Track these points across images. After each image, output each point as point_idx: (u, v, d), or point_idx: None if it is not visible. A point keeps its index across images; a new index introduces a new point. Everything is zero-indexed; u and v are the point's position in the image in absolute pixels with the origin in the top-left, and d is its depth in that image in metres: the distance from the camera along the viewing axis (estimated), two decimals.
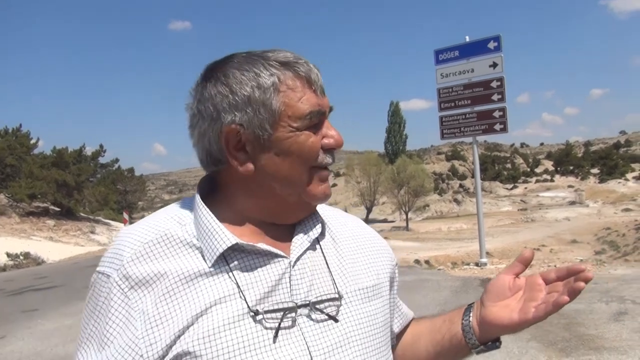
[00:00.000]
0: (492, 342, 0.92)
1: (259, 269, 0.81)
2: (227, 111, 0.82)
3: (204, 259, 0.81)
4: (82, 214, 29.50)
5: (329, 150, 0.85)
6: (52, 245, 20.93)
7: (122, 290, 0.78)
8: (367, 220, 58.84)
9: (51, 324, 7.03)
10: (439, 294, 7.53)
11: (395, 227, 49.39)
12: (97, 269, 0.84)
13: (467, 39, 10.81)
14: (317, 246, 0.91)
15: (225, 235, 0.80)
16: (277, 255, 0.83)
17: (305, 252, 0.87)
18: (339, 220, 1.03)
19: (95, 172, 35.81)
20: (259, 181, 0.85)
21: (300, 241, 0.88)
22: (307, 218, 0.92)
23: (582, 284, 0.79)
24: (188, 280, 0.78)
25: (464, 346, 0.94)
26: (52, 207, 27.24)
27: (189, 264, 0.80)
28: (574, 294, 0.79)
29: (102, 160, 37.40)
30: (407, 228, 46.26)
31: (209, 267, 0.79)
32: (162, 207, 0.95)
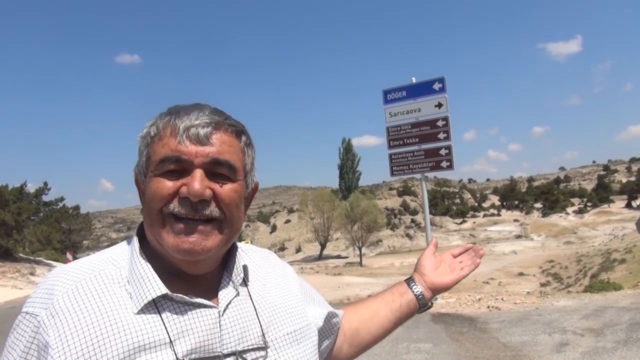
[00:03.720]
0: (430, 302, 1.28)
1: (190, 319, 0.81)
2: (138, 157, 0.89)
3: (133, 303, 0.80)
4: (21, 255, 27.90)
5: (185, 200, 0.80)
6: None
7: (46, 330, 0.75)
8: (321, 257, 58.59)
9: None
10: None
11: (349, 262, 49.40)
12: (24, 309, 0.80)
13: (414, 80, 11.23)
14: (246, 292, 0.92)
15: (156, 284, 0.80)
16: (206, 306, 0.83)
17: (232, 300, 0.88)
18: (266, 262, 1.05)
19: (38, 211, 34.12)
20: (146, 225, 0.87)
21: (227, 289, 0.89)
22: (231, 263, 0.93)
23: (481, 252, 1.28)
24: (117, 323, 0.76)
25: (416, 308, 1.25)
26: None
27: (119, 307, 0.78)
28: (479, 257, 1.27)
29: (46, 198, 35.67)
30: (360, 264, 46.36)
31: (136, 313, 0.78)
32: (108, 246, 0.94)
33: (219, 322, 0.84)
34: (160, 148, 0.83)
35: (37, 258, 29.39)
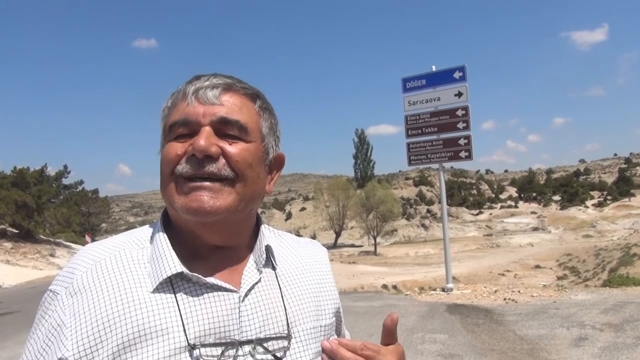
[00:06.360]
0: None
1: (206, 302, 0.78)
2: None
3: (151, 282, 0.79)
4: (42, 236, 28.48)
5: (192, 158, 0.78)
6: (9, 269, 20.10)
7: (63, 309, 0.76)
8: (336, 245, 58.90)
9: (6, 353, 6.70)
10: (406, 319, 7.54)
11: (363, 251, 49.46)
12: (50, 287, 0.82)
13: (434, 68, 11.12)
14: (273, 276, 0.88)
15: (173, 261, 0.79)
16: (225, 289, 0.80)
17: (256, 284, 0.84)
18: (301, 247, 1.01)
19: (58, 194, 34.72)
20: (164, 196, 0.86)
21: (251, 272, 0.85)
22: (257, 245, 0.89)
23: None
24: (131, 302, 0.75)
25: None
26: (10, 228, 26.26)
27: (136, 285, 0.77)
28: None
29: (66, 181, 36.26)
30: (375, 253, 46.41)
31: (151, 292, 0.77)
32: (126, 229, 0.93)
33: (239, 307, 0.80)
34: (173, 115, 0.83)
35: (57, 240, 29.99)
